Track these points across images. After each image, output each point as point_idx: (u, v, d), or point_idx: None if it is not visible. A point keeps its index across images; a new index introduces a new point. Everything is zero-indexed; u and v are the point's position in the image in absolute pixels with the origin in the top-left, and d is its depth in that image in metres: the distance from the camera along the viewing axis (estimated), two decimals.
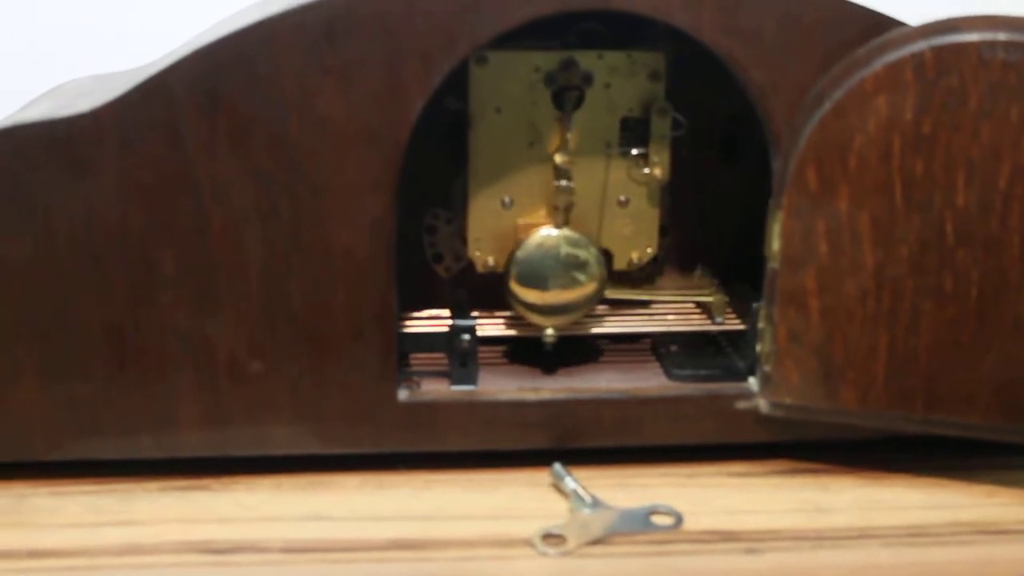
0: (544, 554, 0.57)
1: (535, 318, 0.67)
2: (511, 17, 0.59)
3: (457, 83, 0.65)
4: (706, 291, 0.71)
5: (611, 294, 0.69)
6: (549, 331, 0.68)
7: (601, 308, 0.70)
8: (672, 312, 0.73)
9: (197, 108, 0.59)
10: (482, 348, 0.68)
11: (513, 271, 0.66)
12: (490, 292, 0.70)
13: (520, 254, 0.66)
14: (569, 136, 0.66)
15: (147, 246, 0.60)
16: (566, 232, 0.67)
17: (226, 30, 0.59)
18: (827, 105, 0.59)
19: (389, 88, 0.59)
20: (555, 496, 0.63)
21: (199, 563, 0.57)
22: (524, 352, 0.71)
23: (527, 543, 0.58)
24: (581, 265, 0.66)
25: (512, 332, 0.70)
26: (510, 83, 0.66)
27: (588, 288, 0.67)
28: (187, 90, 0.59)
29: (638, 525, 0.60)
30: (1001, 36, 0.57)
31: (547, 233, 0.66)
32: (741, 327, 0.69)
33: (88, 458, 0.63)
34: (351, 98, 0.59)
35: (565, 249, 0.66)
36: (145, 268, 0.61)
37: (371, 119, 0.60)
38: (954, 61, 0.57)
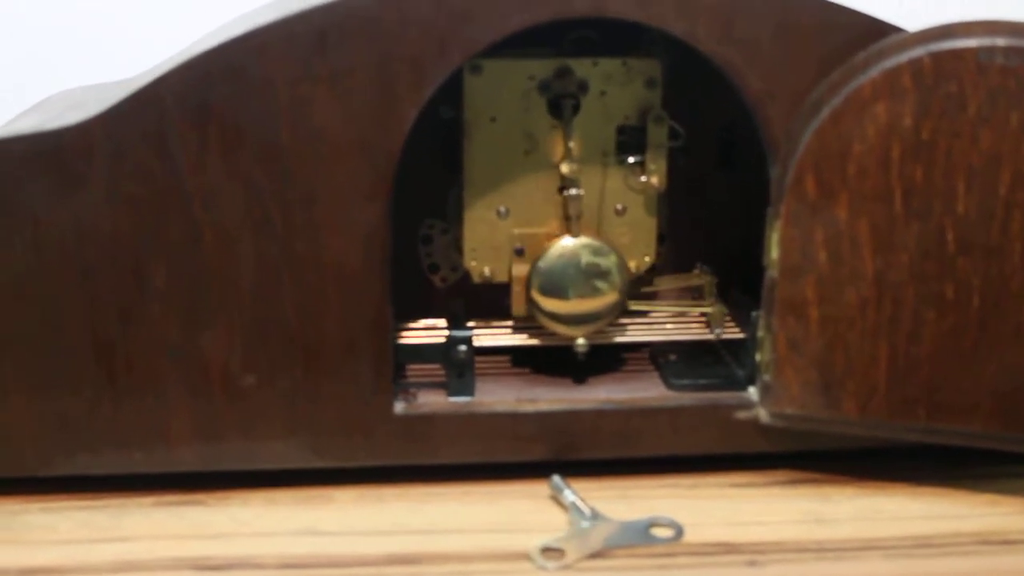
0: (543, 568, 0.56)
1: (558, 328, 0.67)
2: (505, 25, 0.59)
3: (452, 92, 0.64)
4: (705, 303, 0.70)
5: None
6: (581, 340, 0.67)
7: None
8: (671, 321, 0.72)
9: (188, 119, 0.58)
10: (479, 359, 0.68)
11: (535, 281, 0.66)
12: (487, 302, 0.70)
13: (542, 264, 0.66)
14: (572, 144, 0.65)
15: (138, 258, 0.60)
16: (586, 240, 0.66)
17: (217, 40, 0.59)
18: (825, 112, 0.59)
19: (382, 97, 0.59)
20: (554, 509, 0.62)
21: None
22: (524, 363, 0.70)
23: (525, 557, 0.57)
24: (603, 274, 0.66)
25: (509, 342, 0.69)
26: (505, 91, 0.65)
27: (609, 297, 0.66)
28: (178, 101, 0.58)
29: (638, 538, 0.59)
30: (1000, 41, 0.56)
31: (566, 242, 0.66)
32: (741, 336, 0.68)
33: (80, 474, 0.62)
34: (344, 108, 0.59)
35: (587, 258, 0.66)
36: (136, 281, 0.60)
37: (364, 129, 0.59)
38: (953, 67, 0.57)
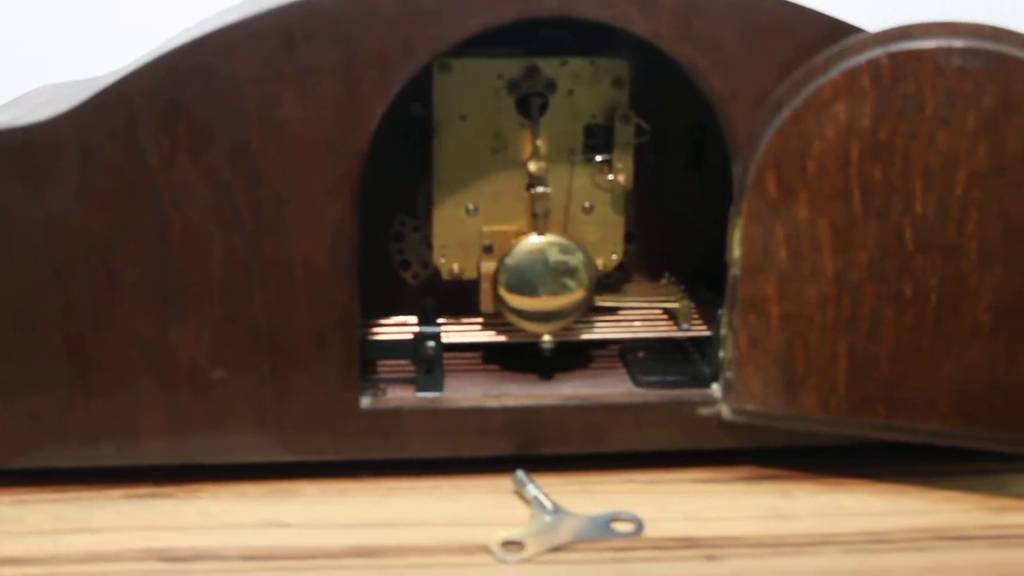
0: (503, 561, 0.57)
1: (525, 324, 0.67)
2: (470, 25, 0.59)
3: (422, 90, 0.65)
4: (672, 297, 0.71)
5: None
6: (547, 338, 0.67)
7: None
8: (639, 318, 0.72)
9: (156, 117, 0.59)
10: (451, 355, 0.68)
11: (503, 278, 0.66)
12: (457, 299, 0.70)
13: (510, 260, 0.66)
14: (539, 143, 0.66)
15: (107, 254, 0.60)
16: (553, 238, 0.66)
17: (186, 39, 0.59)
18: (786, 112, 0.59)
19: (348, 96, 0.59)
20: (517, 503, 0.63)
21: (160, 571, 0.57)
22: (495, 359, 0.71)
23: (487, 550, 0.58)
24: (571, 271, 0.66)
25: (477, 339, 0.70)
26: (474, 90, 0.66)
27: (577, 294, 0.66)
28: (146, 99, 0.59)
29: (599, 532, 0.60)
30: (957, 43, 0.57)
31: (535, 240, 0.66)
32: (707, 333, 0.69)
33: (50, 466, 0.63)
34: (311, 106, 0.59)
35: (554, 256, 0.66)
36: (105, 276, 0.61)
37: (331, 127, 0.60)
38: (911, 68, 0.57)
